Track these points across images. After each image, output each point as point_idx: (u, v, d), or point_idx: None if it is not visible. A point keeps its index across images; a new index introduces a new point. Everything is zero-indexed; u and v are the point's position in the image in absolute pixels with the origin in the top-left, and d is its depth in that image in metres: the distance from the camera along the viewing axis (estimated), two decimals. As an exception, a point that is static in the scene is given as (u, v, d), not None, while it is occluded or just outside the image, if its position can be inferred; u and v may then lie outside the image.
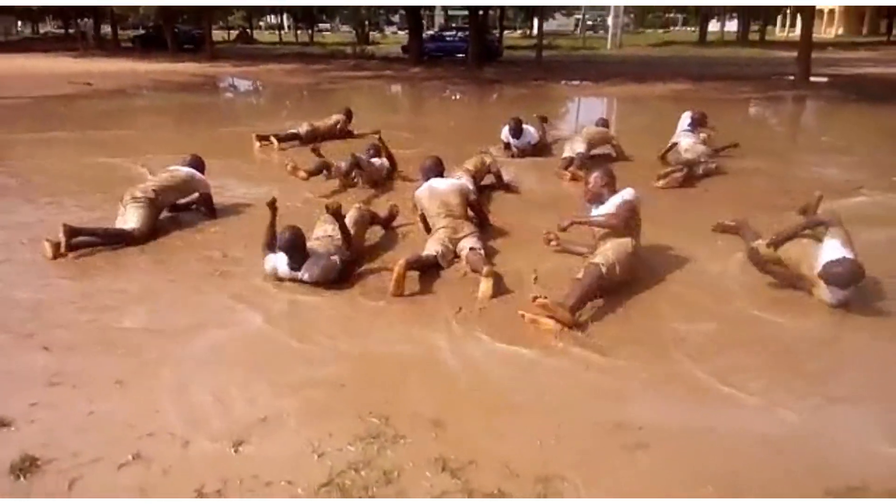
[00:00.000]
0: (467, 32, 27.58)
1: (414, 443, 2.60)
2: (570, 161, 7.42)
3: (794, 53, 19.01)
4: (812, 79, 17.90)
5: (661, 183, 6.78)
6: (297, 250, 4.19)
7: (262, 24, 66.81)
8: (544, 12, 25.15)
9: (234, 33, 55.07)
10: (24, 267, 4.56)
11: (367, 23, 45.00)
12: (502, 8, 33.27)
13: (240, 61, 28.97)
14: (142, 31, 43.04)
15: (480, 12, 25.79)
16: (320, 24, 58.56)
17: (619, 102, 15.86)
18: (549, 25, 40.83)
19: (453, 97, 17.19)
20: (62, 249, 4.66)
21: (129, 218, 5.09)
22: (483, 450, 2.55)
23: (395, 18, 49.57)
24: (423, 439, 2.62)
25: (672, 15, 63.02)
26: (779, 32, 51.54)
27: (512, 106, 9.89)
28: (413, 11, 28.18)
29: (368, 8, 28.80)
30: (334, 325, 3.68)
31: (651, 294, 4.06)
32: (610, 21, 42.53)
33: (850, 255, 3.81)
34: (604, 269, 3.84)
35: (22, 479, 2.39)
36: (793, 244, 4.19)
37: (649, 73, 20.92)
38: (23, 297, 4.02)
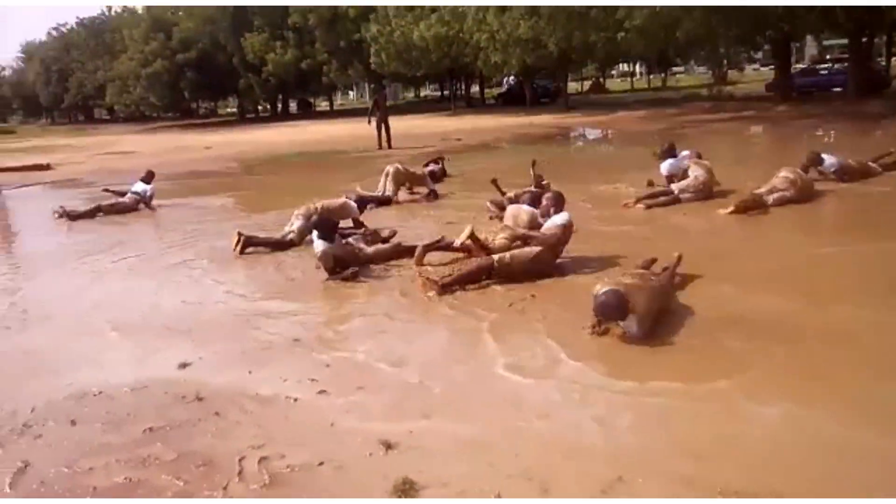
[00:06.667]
0: (845, 64, 24.57)
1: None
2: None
3: None
4: None
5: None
6: (322, 230, 5.95)
7: (613, 72, 68.23)
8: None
9: (587, 84, 57.18)
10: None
11: (725, 62, 42.95)
12: (889, 32, 28.97)
13: (592, 111, 29.88)
14: (504, 89, 47.15)
15: (864, 39, 22.79)
16: (674, 68, 57.71)
17: None
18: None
19: (826, 136, 15.38)
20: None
21: (293, 227, 7.13)
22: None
23: (758, 55, 46.44)
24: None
25: None
26: None
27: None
28: (780, 45, 26.07)
29: (727, 46, 27.46)
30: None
31: None
32: None
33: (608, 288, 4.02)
34: (496, 263, 5.28)
35: (404, 498, 2.65)
36: None
37: None
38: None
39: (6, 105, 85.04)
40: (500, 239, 5.80)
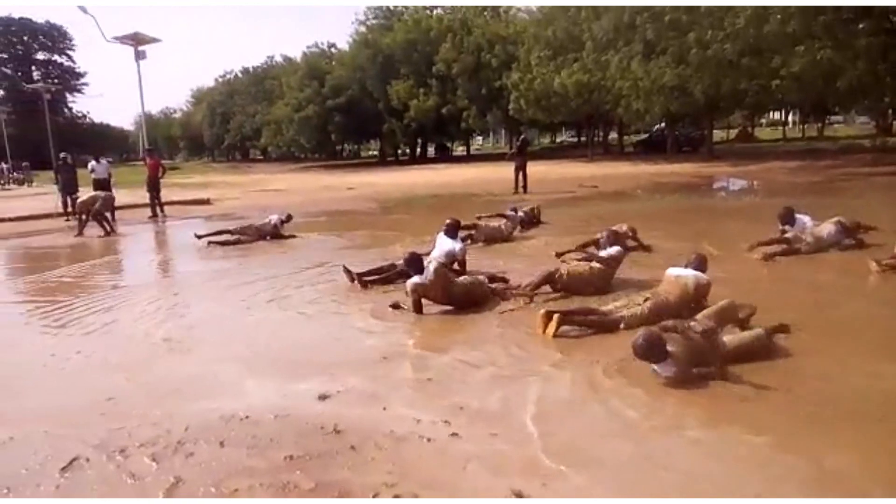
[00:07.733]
0: None
1: None
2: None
3: None
4: None
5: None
6: (414, 266, 6.24)
7: (762, 120, 65.15)
8: None
9: (732, 132, 54.93)
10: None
11: (890, 111, 39.85)
12: None
13: (738, 160, 28.61)
14: (644, 136, 46.27)
15: None
16: (831, 117, 54.32)
17: None
18: None
19: None
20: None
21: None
22: None
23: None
24: None
25: None
26: None
27: None
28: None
29: (894, 96, 25.45)
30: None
31: None
32: None
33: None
34: (556, 274, 6.42)
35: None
36: None
37: None
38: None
39: (174, 144, 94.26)
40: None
